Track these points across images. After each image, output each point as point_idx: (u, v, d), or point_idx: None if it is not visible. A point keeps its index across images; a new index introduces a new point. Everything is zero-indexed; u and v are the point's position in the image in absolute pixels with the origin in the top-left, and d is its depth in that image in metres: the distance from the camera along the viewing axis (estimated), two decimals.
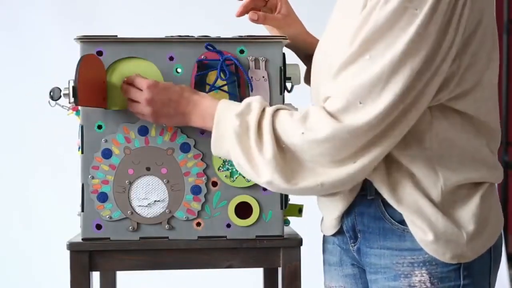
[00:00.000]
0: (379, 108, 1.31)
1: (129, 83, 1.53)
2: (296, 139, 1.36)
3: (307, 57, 1.75)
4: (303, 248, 1.61)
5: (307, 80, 1.77)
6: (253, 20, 1.66)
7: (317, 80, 1.52)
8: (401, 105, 1.32)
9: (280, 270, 1.61)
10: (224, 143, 1.43)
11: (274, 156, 1.36)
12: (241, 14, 1.67)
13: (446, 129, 1.39)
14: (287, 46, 1.71)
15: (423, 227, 1.38)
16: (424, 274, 1.39)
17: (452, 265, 1.39)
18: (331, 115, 1.34)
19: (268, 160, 1.36)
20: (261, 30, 1.75)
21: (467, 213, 1.40)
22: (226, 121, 1.43)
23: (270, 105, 1.59)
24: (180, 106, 1.50)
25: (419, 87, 1.32)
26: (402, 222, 1.41)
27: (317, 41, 1.75)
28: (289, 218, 1.70)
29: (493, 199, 1.45)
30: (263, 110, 1.41)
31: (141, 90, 1.51)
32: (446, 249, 1.38)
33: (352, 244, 1.51)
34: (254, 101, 1.43)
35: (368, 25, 1.32)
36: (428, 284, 1.39)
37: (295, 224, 1.75)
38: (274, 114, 1.40)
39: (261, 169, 1.38)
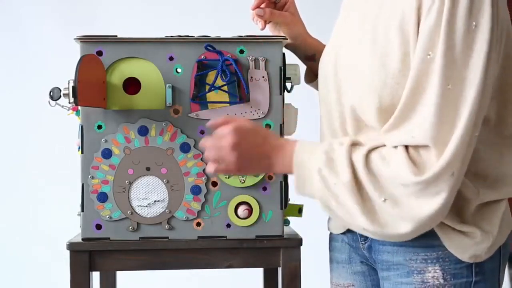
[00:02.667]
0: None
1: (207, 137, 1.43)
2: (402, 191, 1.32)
3: (307, 58, 1.75)
4: (303, 248, 1.61)
5: (307, 80, 1.77)
6: (259, 16, 1.66)
7: (335, 88, 1.49)
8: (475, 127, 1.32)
9: (280, 270, 1.61)
10: (311, 186, 1.38)
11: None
12: (256, 7, 1.68)
13: (478, 148, 1.38)
14: (287, 46, 1.71)
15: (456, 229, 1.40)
16: (438, 271, 1.40)
17: (465, 262, 1.40)
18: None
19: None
20: (261, 30, 1.75)
21: (495, 220, 1.41)
22: (309, 160, 1.38)
23: (270, 105, 1.60)
24: (265, 149, 1.41)
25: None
26: None
27: (317, 42, 1.75)
28: (289, 218, 1.70)
29: (508, 201, 1.47)
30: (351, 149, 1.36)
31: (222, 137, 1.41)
32: (468, 249, 1.39)
33: (363, 242, 1.51)
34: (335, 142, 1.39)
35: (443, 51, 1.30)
36: (441, 280, 1.40)
37: (295, 224, 1.75)
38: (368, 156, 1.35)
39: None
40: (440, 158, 1.29)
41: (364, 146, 1.37)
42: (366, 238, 1.50)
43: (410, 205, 1.31)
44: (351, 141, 1.38)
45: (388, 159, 1.33)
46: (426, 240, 1.41)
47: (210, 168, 1.42)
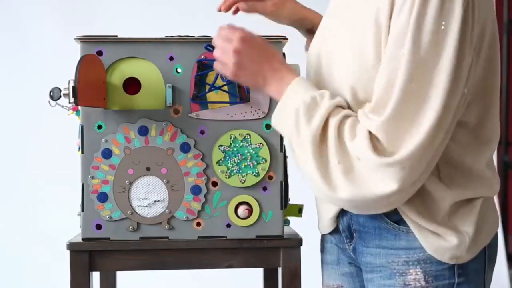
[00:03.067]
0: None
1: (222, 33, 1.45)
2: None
3: (308, 31, 1.75)
4: (303, 248, 1.61)
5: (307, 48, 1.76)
6: (244, 10, 1.68)
7: (315, 81, 1.51)
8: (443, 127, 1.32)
9: (280, 270, 1.61)
10: (286, 119, 1.40)
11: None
12: (226, 8, 1.70)
13: (450, 149, 1.39)
14: (289, 25, 1.72)
15: (429, 231, 1.39)
16: (419, 273, 1.40)
17: (446, 264, 1.40)
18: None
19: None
20: (261, 30, 1.75)
21: (470, 220, 1.41)
22: (294, 97, 1.40)
23: (270, 105, 1.60)
24: (266, 68, 1.44)
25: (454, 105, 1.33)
26: (397, 221, 1.42)
27: (313, 14, 1.74)
28: (289, 218, 1.70)
29: (490, 202, 1.47)
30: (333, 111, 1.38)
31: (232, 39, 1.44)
32: (446, 251, 1.39)
33: (348, 243, 1.51)
34: (327, 95, 1.40)
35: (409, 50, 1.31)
36: (423, 283, 1.40)
37: (295, 224, 1.75)
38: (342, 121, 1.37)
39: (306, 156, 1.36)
40: (396, 154, 1.30)
41: (344, 111, 1.37)
42: (351, 240, 1.50)
43: (360, 179, 1.32)
44: (338, 102, 1.38)
45: (356, 133, 1.34)
46: (407, 242, 1.41)
47: (215, 65, 1.46)
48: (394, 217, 1.41)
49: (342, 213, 1.50)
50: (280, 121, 1.42)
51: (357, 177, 1.33)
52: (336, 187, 1.34)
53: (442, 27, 1.29)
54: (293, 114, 1.38)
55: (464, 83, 1.32)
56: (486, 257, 1.44)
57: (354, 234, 1.49)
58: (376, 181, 1.31)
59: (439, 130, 1.31)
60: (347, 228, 1.50)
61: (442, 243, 1.39)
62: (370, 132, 1.33)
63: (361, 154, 1.32)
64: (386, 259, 1.43)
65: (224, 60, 1.44)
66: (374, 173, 1.31)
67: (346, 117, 1.36)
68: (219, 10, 1.71)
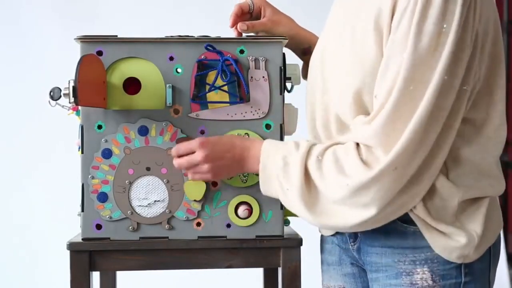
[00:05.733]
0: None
1: (179, 154, 1.53)
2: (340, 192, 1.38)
3: (303, 52, 1.76)
4: (303, 248, 1.61)
5: (304, 74, 1.77)
6: (243, 31, 1.68)
7: (320, 88, 1.51)
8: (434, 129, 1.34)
9: (280, 270, 1.61)
10: (270, 187, 1.47)
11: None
12: (232, 26, 1.71)
13: (458, 147, 1.39)
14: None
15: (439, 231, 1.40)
16: (426, 272, 1.40)
17: (453, 263, 1.40)
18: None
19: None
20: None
21: (478, 219, 1.41)
22: (270, 165, 1.46)
23: (270, 105, 1.60)
24: (235, 154, 1.51)
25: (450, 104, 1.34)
26: (405, 221, 1.41)
27: (310, 34, 1.75)
28: (289, 218, 1.70)
29: (495, 200, 1.47)
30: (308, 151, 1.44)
31: (193, 152, 1.52)
32: (454, 250, 1.39)
33: (352, 243, 1.51)
34: (300, 143, 1.46)
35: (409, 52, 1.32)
36: (430, 282, 1.40)
37: (295, 224, 1.74)
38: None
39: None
40: (385, 157, 1.33)
41: (318, 148, 1.42)
42: (355, 239, 1.50)
43: (361, 198, 1.36)
44: (307, 145, 1.43)
45: (341, 163, 1.38)
46: (414, 241, 1.41)
47: (189, 175, 1.55)
48: (402, 217, 1.41)
49: None
50: (268, 191, 1.49)
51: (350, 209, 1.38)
52: (344, 221, 1.39)
53: (443, 30, 1.30)
54: (276, 182, 1.45)
55: (462, 82, 1.33)
56: (491, 256, 1.44)
57: (359, 233, 1.49)
58: (361, 208, 1.37)
59: (429, 129, 1.32)
60: None
61: (450, 243, 1.39)
62: (358, 148, 1.37)
63: (354, 172, 1.35)
64: (392, 259, 1.43)
65: (199, 171, 1.52)
66: (359, 197, 1.36)
67: (322, 154, 1.41)
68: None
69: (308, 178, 1.41)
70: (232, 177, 1.57)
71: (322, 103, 1.49)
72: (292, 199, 1.43)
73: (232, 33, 1.69)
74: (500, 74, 1.41)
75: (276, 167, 1.44)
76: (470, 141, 1.40)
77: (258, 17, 1.72)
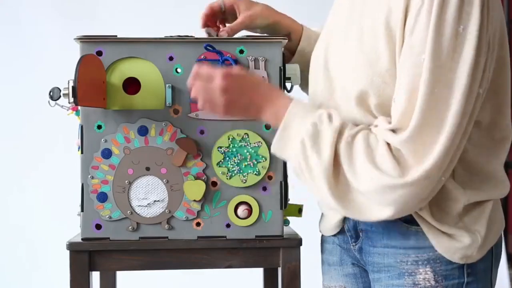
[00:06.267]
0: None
1: (196, 77, 1.43)
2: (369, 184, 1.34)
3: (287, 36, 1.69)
4: (302, 248, 1.61)
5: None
6: (229, 34, 1.65)
7: (326, 85, 1.48)
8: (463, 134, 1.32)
9: (280, 270, 1.61)
10: (291, 150, 1.39)
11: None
12: (203, 27, 1.69)
13: (465, 150, 1.38)
14: (264, 32, 1.71)
15: (442, 231, 1.40)
16: (429, 272, 1.40)
17: (456, 263, 1.40)
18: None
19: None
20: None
21: (481, 220, 1.41)
22: (296, 127, 1.38)
23: None
24: (256, 99, 1.42)
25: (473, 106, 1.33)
26: (408, 221, 1.41)
27: (291, 21, 1.72)
28: (289, 218, 1.70)
29: (498, 201, 1.47)
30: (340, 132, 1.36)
31: (213, 80, 1.41)
32: (457, 251, 1.39)
33: (353, 244, 1.51)
34: (332, 114, 1.39)
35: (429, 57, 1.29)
36: (433, 282, 1.40)
37: (295, 224, 1.75)
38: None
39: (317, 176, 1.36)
40: (420, 166, 1.29)
41: (350, 129, 1.36)
42: (357, 239, 1.50)
43: (385, 196, 1.32)
44: (340, 122, 1.36)
45: (373, 152, 1.33)
46: (416, 241, 1.41)
47: (200, 105, 1.44)
48: (404, 217, 1.40)
49: None
50: (284, 151, 1.40)
51: (382, 197, 1.33)
52: (368, 212, 1.35)
53: (461, 31, 1.28)
54: (299, 146, 1.36)
55: (479, 84, 1.31)
56: (493, 256, 1.44)
57: (361, 234, 1.48)
58: (383, 205, 1.33)
59: (460, 132, 1.30)
60: (353, 228, 1.49)
61: (454, 243, 1.38)
62: (389, 145, 1.32)
63: (386, 169, 1.31)
64: (394, 259, 1.43)
65: (212, 100, 1.42)
66: (384, 195, 1.31)
67: (353, 136, 1.35)
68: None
69: (337, 160, 1.34)
70: (243, 119, 1.49)
71: (331, 104, 1.45)
72: (316, 173, 1.35)
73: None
74: (506, 77, 1.41)
75: (305, 132, 1.36)
76: (477, 144, 1.39)
77: (233, 14, 1.70)
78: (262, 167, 1.60)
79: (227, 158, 1.59)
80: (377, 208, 1.33)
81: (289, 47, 1.72)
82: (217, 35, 1.67)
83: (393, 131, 1.32)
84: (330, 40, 1.50)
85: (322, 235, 1.63)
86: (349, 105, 1.40)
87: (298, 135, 1.37)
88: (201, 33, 1.61)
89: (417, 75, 1.29)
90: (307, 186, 1.39)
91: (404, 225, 1.41)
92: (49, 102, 1.61)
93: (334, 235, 1.57)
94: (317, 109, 1.40)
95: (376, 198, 1.32)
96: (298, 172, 1.39)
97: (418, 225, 1.40)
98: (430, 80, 1.28)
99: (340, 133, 1.35)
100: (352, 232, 1.50)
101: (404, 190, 1.30)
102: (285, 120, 1.38)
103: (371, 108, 1.38)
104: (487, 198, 1.42)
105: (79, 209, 1.61)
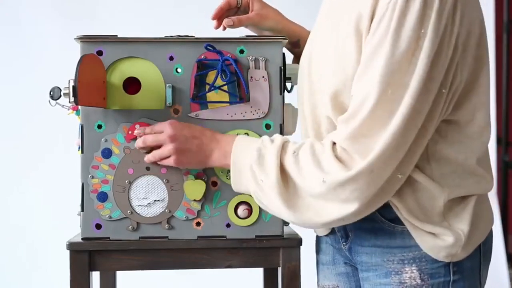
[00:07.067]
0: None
1: (147, 132, 1.54)
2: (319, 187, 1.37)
3: (292, 45, 1.75)
4: (302, 248, 1.61)
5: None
6: (229, 26, 1.68)
7: (308, 91, 1.52)
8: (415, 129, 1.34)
9: (279, 270, 1.61)
10: (245, 180, 1.45)
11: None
12: (217, 26, 1.71)
13: (441, 147, 1.40)
14: None
15: (424, 230, 1.40)
16: (414, 271, 1.42)
17: (442, 262, 1.41)
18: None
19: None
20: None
21: (464, 218, 1.42)
22: (244, 157, 1.45)
23: (270, 105, 1.60)
24: (203, 143, 1.51)
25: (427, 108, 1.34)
26: (393, 220, 1.43)
27: (299, 28, 1.74)
28: None
29: (485, 199, 1.48)
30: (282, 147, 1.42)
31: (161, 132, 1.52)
32: (441, 250, 1.40)
33: (344, 243, 1.52)
34: (273, 138, 1.45)
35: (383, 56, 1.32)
36: (418, 281, 1.41)
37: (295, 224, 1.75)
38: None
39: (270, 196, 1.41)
40: (363, 160, 1.33)
41: (293, 144, 1.42)
42: (346, 239, 1.51)
43: (339, 194, 1.35)
44: (282, 140, 1.43)
45: (318, 158, 1.37)
46: (402, 240, 1.43)
47: (150, 155, 1.55)
48: (389, 216, 1.43)
49: None
50: (240, 184, 1.46)
51: (330, 203, 1.37)
52: (323, 216, 1.38)
53: (421, 35, 1.30)
54: (249, 174, 1.43)
55: (440, 85, 1.33)
56: (481, 254, 1.45)
57: (350, 233, 1.50)
58: (338, 204, 1.36)
59: (406, 133, 1.32)
60: (343, 228, 1.51)
61: (438, 242, 1.40)
62: (334, 148, 1.36)
63: (330, 171, 1.35)
64: (381, 258, 1.45)
65: (162, 150, 1.52)
66: (336, 195, 1.35)
67: (298, 148, 1.40)
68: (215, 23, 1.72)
69: (284, 173, 1.40)
70: (193, 168, 1.56)
71: (310, 104, 1.50)
72: (267, 192, 1.41)
73: (232, 32, 1.69)
74: (485, 76, 1.42)
75: (250, 159, 1.43)
76: (454, 141, 1.41)
77: (246, 11, 1.72)
78: None
79: None
80: (337, 207, 1.36)
81: (298, 53, 1.73)
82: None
83: (346, 123, 1.35)
84: (313, 44, 1.53)
85: (317, 235, 1.64)
86: (326, 108, 1.43)
87: (247, 164, 1.43)
88: (201, 33, 1.61)
89: (373, 76, 1.32)
90: (269, 211, 1.44)
91: (390, 225, 1.43)
92: (49, 101, 1.61)
93: (327, 235, 1.59)
94: (260, 138, 1.46)
95: (332, 197, 1.35)
96: (257, 199, 1.44)
97: (403, 224, 1.42)
98: (384, 81, 1.31)
99: (283, 148, 1.41)
100: (342, 232, 1.52)
101: (352, 184, 1.33)
102: (233, 154, 1.46)
103: (343, 109, 1.40)
104: (468, 194, 1.42)
105: (79, 209, 1.61)
